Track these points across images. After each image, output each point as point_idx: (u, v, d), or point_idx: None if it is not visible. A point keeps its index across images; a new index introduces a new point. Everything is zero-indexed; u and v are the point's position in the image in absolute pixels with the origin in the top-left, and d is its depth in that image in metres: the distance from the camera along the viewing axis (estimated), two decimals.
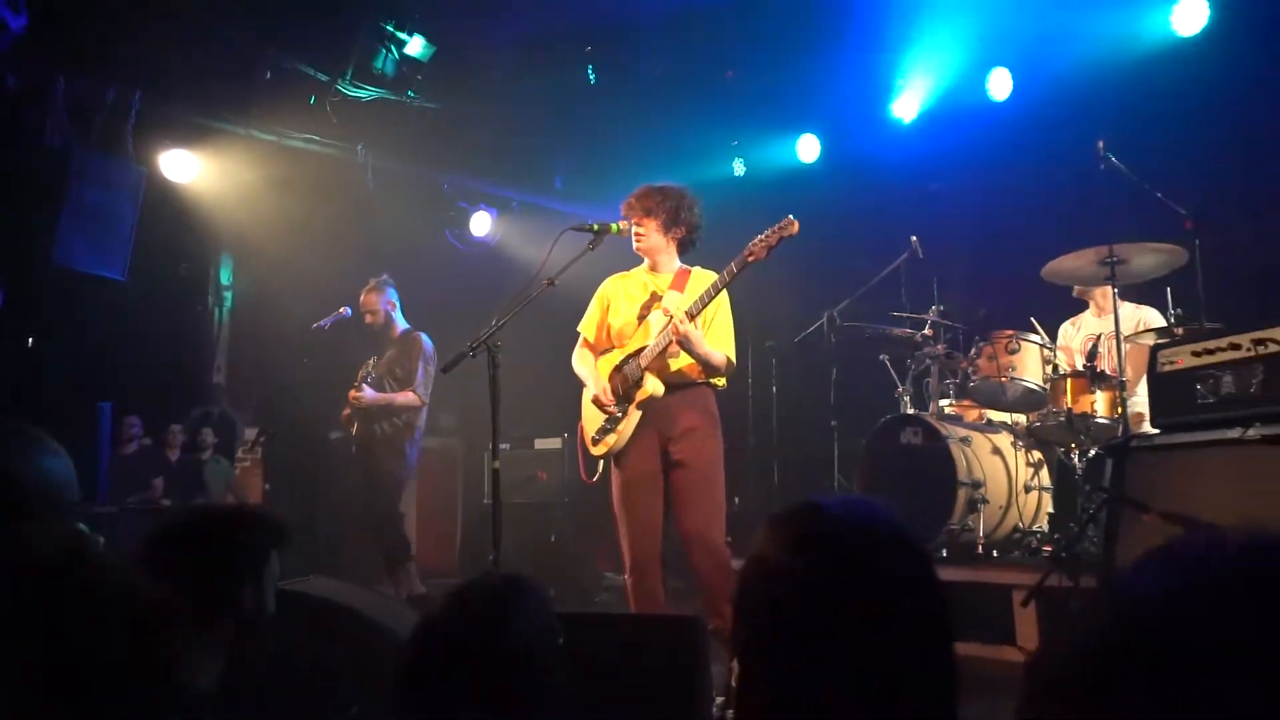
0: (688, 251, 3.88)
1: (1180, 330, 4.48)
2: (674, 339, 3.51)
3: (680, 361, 3.69)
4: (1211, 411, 3.55)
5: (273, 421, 7.25)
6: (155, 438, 7.76)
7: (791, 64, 6.95)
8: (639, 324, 3.82)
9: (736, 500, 5.96)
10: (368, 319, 5.88)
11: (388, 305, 5.91)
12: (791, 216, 3.51)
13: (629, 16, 7.17)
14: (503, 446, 6.78)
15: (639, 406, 3.66)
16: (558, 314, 4.74)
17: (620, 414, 3.71)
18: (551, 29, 7.42)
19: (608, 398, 3.75)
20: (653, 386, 3.62)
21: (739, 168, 7.67)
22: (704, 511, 3.59)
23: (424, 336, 5.83)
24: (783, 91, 7.20)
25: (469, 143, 7.72)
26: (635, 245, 3.85)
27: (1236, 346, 3.51)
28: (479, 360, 3.61)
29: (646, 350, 3.68)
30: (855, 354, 5.78)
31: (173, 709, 1.06)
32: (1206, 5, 5.23)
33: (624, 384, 3.75)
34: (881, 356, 5.57)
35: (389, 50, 7.29)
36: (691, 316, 3.52)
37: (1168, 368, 3.74)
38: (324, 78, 7.22)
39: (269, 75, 7.06)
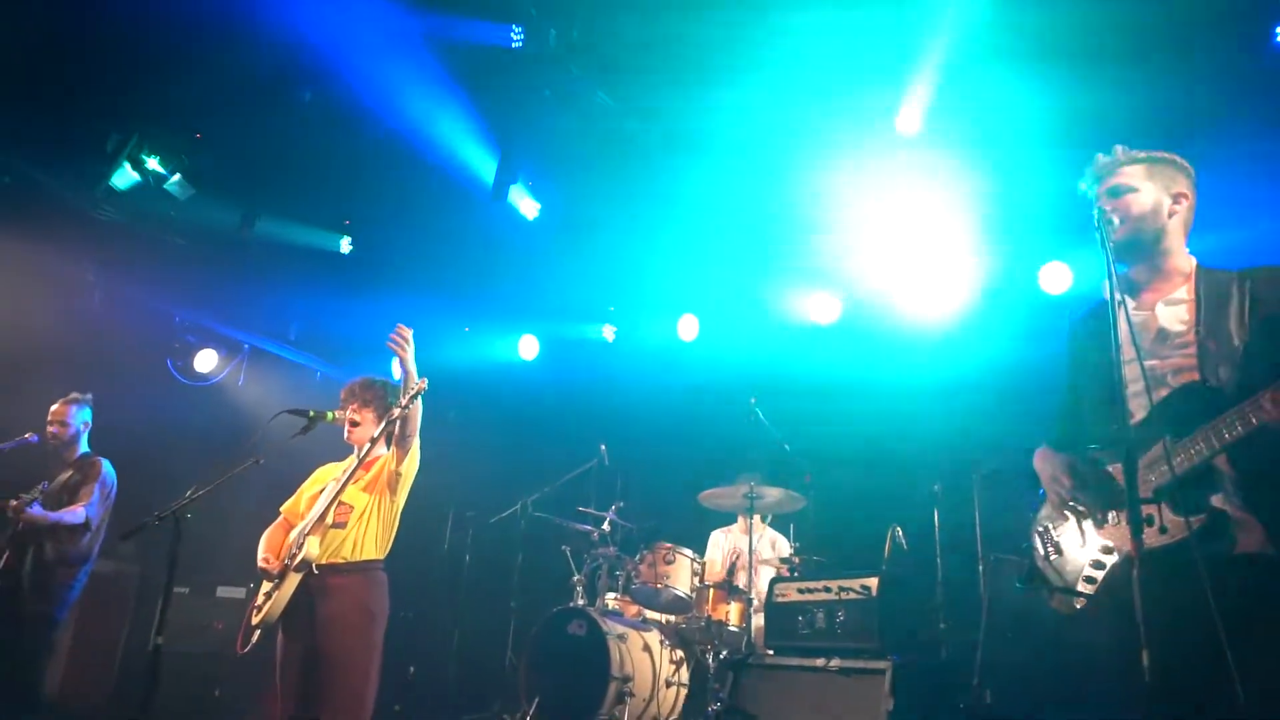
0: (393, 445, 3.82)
1: (798, 559, 5.09)
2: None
3: (343, 535, 3.56)
4: (807, 640, 4.03)
5: None
6: None
7: (522, 269, 7.33)
8: (320, 495, 3.71)
9: (412, 670, 5.75)
10: (51, 429, 5.13)
11: (81, 425, 5.24)
12: (424, 377, 3.60)
13: (388, 194, 7.28)
14: (182, 590, 6.20)
15: (297, 570, 3.48)
16: (261, 466, 4.50)
17: (279, 580, 3.53)
18: (311, 195, 7.36)
19: (271, 561, 3.59)
20: (309, 549, 3.46)
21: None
22: (339, 707, 3.41)
23: (105, 462, 5.17)
24: (514, 292, 7.53)
25: (209, 282, 7.33)
26: (346, 436, 3.80)
27: (829, 589, 4.04)
28: (184, 469, 3.33)
29: (310, 516, 3.58)
30: (541, 541, 5.95)
31: None
32: (839, 306, 6.28)
33: (290, 550, 3.59)
34: (564, 547, 5.77)
35: (147, 181, 6.89)
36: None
37: (780, 599, 4.22)
38: (70, 194, 6.68)
39: (7, 179, 6.42)
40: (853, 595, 3.90)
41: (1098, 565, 2.29)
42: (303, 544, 3.48)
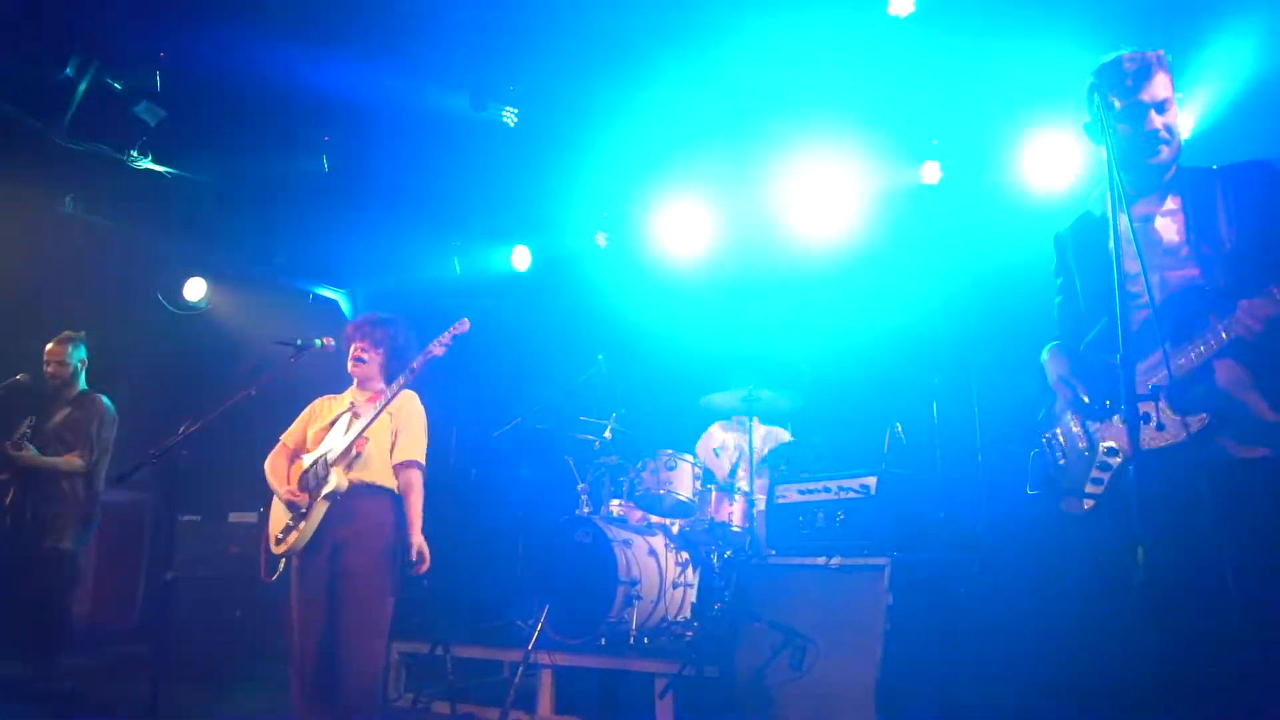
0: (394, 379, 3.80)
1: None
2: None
3: (366, 463, 3.62)
4: (809, 540, 4.06)
5: None
6: None
7: (512, 179, 7.11)
8: (332, 428, 3.72)
9: (426, 582, 5.84)
10: (49, 369, 5.14)
11: (77, 363, 5.24)
12: (465, 318, 3.65)
13: (368, 114, 7.02)
14: (194, 517, 6.26)
15: (325, 499, 3.54)
16: (263, 387, 4.48)
17: (306, 510, 3.57)
18: (290, 110, 7.10)
19: (298, 494, 3.62)
20: (337, 481, 3.53)
21: (458, 266, 7.67)
22: (357, 624, 3.48)
23: (105, 399, 5.22)
24: (501, 203, 7.34)
25: (191, 208, 7.15)
26: (351, 368, 3.76)
27: (829, 489, 4.06)
28: (181, 400, 3.34)
29: (335, 449, 3.60)
30: (545, 452, 5.98)
31: None
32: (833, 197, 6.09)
33: (313, 481, 3.62)
34: (567, 457, 5.80)
35: (115, 108, 6.62)
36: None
37: (781, 500, 4.25)
38: (37, 123, 6.44)
39: None
40: (852, 495, 3.92)
41: (1104, 466, 2.28)
42: (329, 476, 3.52)
